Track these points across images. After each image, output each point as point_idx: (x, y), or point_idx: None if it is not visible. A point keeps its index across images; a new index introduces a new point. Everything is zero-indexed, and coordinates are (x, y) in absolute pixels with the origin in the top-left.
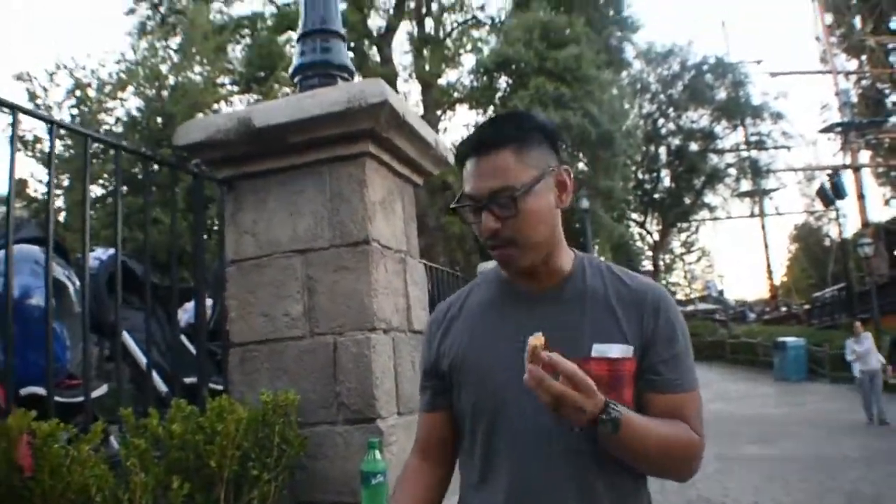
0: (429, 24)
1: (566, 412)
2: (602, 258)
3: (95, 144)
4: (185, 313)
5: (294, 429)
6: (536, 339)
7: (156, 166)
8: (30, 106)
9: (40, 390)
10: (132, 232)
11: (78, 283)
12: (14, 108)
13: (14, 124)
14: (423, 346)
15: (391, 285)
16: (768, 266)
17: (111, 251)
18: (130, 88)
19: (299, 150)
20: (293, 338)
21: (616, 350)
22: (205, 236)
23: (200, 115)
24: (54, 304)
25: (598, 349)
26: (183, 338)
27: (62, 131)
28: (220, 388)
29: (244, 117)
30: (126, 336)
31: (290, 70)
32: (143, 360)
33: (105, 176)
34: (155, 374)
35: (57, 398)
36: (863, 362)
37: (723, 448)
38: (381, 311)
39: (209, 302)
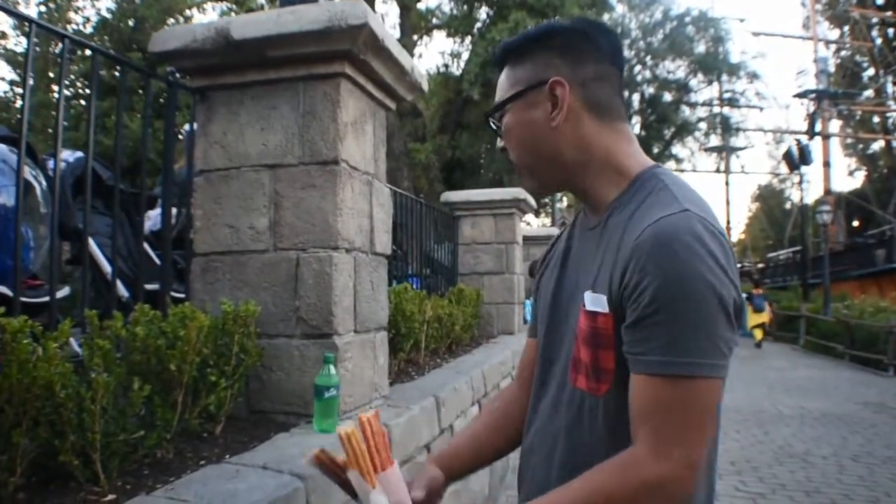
0: None
1: None
2: (667, 179)
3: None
4: (149, 220)
5: (252, 339)
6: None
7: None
8: None
9: (3, 289)
10: (96, 135)
11: (45, 183)
12: None
13: None
14: None
15: (357, 206)
16: (728, 222)
17: (78, 153)
18: None
19: (275, 65)
20: (256, 251)
21: (594, 302)
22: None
23: (171, 20)
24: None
25: (586, 298)
26: (145, 244)
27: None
28: (180, 295)
29: (222, 28)
30: (90, 241)
31: None
32: (105, 265)
33: (71, 77)
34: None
35: (21, 298)
36: None
37: None
38: (344, 231)
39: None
